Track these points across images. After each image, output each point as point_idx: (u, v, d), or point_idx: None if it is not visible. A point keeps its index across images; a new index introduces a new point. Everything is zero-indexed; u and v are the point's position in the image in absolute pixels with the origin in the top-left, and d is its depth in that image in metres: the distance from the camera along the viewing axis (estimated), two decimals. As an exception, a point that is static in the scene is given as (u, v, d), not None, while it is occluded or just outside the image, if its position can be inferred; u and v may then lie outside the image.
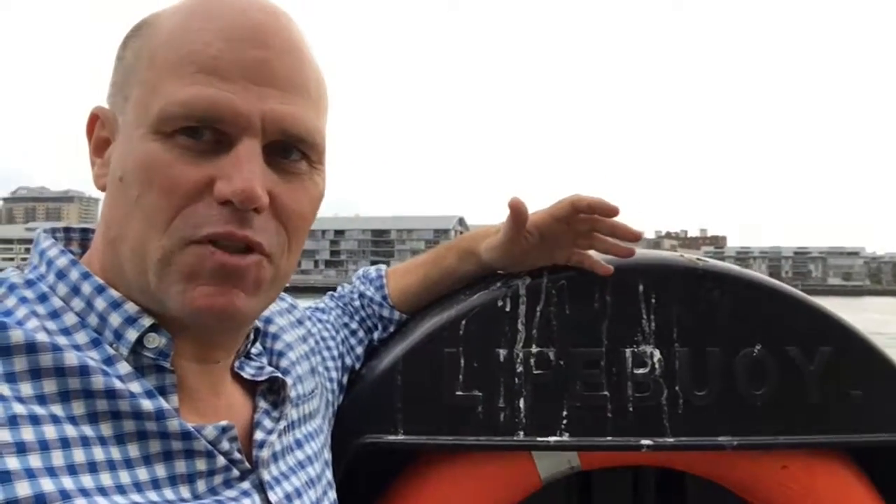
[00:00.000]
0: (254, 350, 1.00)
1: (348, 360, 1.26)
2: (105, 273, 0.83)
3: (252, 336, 0.98)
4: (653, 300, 1.23)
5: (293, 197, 0.82)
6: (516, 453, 1.23)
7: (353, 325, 1.30)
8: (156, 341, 0.80)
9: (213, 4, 0.81)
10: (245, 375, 0.95)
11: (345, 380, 1.25)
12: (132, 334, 0.79)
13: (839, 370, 1.21)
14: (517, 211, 1.17)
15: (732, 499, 1.30)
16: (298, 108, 0.81)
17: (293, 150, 0.82)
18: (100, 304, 0.80)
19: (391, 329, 1.32)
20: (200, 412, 0.85)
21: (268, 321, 1.05)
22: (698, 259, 1.28)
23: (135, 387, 0.77)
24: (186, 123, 0.77)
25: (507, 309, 1.23)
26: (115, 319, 0.79)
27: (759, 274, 1.30)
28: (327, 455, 1.08)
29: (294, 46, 0.83)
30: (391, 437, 1.22)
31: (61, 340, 0.76)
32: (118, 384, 0.75)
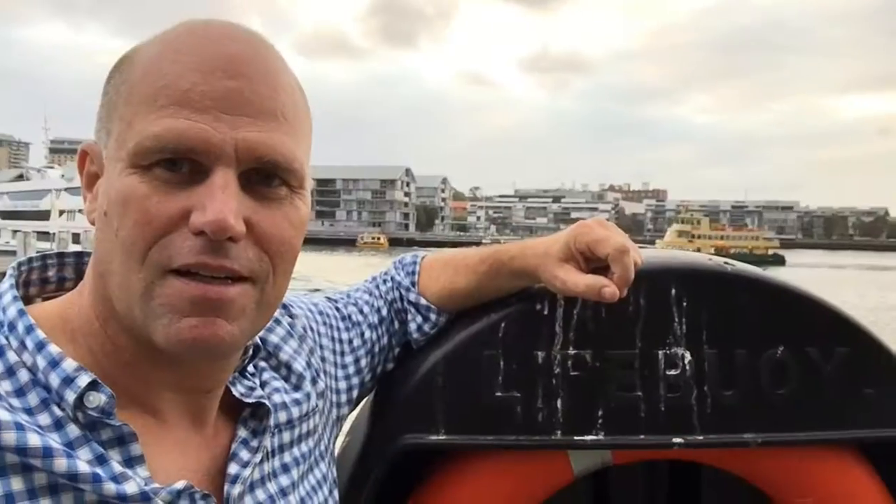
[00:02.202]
0: (249, 368, 1.00)
1: (377, 349, 1.28)
2: (96, 306, 0.84)
3: (251, 352, 0.99)
4: (684, 303, 1.27)
5: (273, 222, 0.82)
6: (553, 452, 1.28)
7: (382, 309, 1.32)
8: (96, 400, 0.78)
9: (187, 37, 0.81)
10: (235, 393, 0.95)
11: (369, 372, 1.26)
12: (70, 396, 0.78)
13: (853, 370, 1.29)
14: (601, 298, 1.14)
15: (744, 488, 1.37)
16: (272, 135, 0.80)
17: (274, 177, 0.82)
18: (40, 361, 0.79)
19: (428, 316, 1.30)
20: (170, 452, 0.85)
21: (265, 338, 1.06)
22: (726, 262, 1.33)
23: (90, 460, 0.76)
24: (161, 156, 0.77)
25: (545, 312, 1.26)
26: (53, 380, 0.78)
27: (781, 278, 1.36)
28: (322, 472, 1.08)
29: (269, 74, 0.82)
30: (433, 437, 1.24)
31: (14, 403, 0.76)
32: (83, 468, 0.74)
